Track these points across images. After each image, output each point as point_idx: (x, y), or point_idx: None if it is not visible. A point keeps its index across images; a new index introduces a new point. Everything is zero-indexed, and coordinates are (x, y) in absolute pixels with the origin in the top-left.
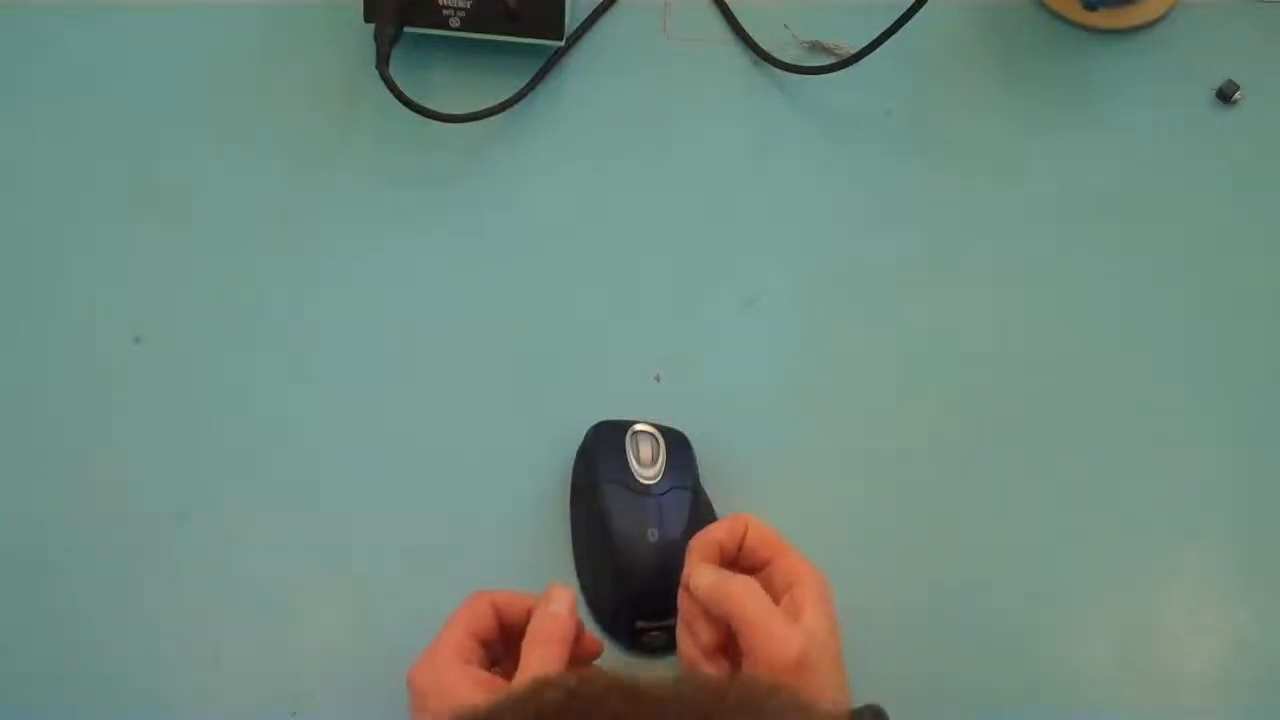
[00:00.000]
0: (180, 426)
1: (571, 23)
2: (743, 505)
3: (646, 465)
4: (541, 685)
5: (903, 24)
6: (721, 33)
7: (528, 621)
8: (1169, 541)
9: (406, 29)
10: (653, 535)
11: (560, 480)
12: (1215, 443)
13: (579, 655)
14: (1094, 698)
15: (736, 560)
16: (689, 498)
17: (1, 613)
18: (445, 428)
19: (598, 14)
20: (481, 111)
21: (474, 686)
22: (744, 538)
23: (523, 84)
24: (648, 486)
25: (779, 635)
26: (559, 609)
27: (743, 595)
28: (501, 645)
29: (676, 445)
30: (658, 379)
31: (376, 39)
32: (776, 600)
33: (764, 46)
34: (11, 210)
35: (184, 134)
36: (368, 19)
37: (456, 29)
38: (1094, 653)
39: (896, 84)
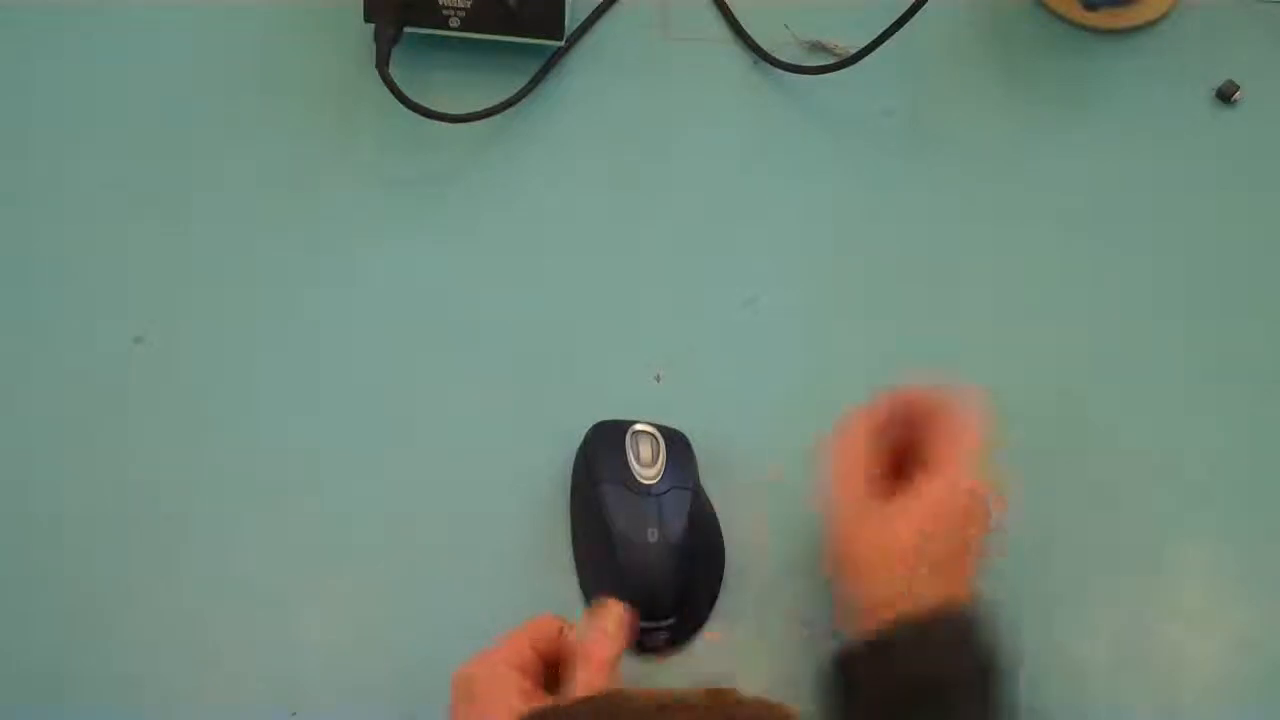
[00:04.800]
0: (180, 426)
1: (571, 23)
2: (743, 505)
3: (646, 465)
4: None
5: (903, 24)
6: (721, 33)
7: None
8: (1169, 541)
9: (406, 29)
10: (653, 535)
11: (560, 480)
12: (1215, 442)
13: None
14: (1094, 697)
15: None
16: (689, 498)
17: (1, 612)
18: (445, 428)
19: (598, 14)
20: (481, 111)
21: (519, 695)
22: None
23: (523, 84)
24: (648, 486)
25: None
26: (607, 625)
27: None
28: (561, 670)
29: (676, 445)
30: (658, 379)
31: (376, 39)
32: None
33: (764, 46)
34: (12, 210)
35: (184, 134)
36: (368, 19)
37: (456, 29)
38: (1094, 653)
39: (896, 84)
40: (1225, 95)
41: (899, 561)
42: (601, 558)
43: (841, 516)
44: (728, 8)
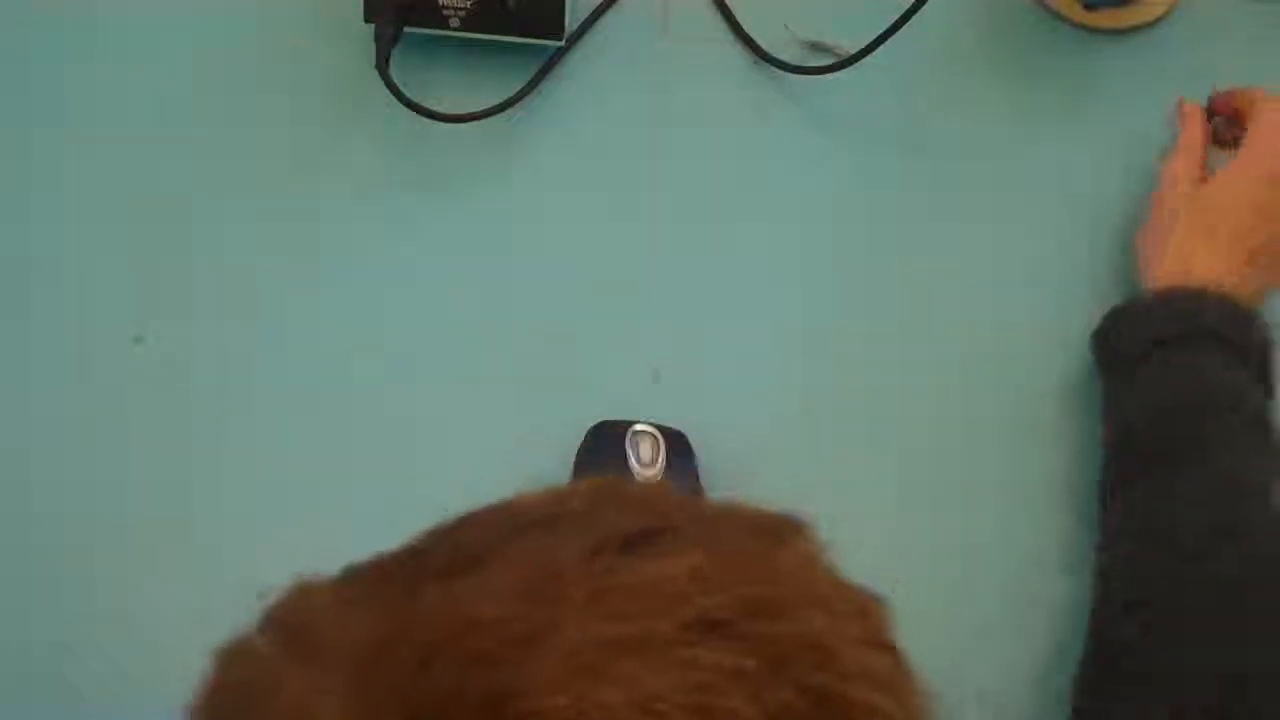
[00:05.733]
0: (180, 426)
1: (571, 23)
2: None
3: (646, 465)
4: None
5: (903, 24)
6: (721, 33)
7: None
8: None
9: (406, 29)
10: None
11: (560, 480)
12: None
13: None
14: None
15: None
16: None
17: (1, 612)
18: (445, 428)
19: (598, 14)
20: (481, 111)
21: None
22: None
23: (523, 84)
24: None
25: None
26: None
27: None
28: None
29: (676, 445)
30: (657, 379)
31: (376, 39)
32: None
33: (764, 46)
34: (11, 210)
35: (184, 134)
36: (368, 19)
37: (456, 29)
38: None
39: (896, 84)
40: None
41: (1148, 244)
42: None
43: (1166, 187)
44: (728, 8)
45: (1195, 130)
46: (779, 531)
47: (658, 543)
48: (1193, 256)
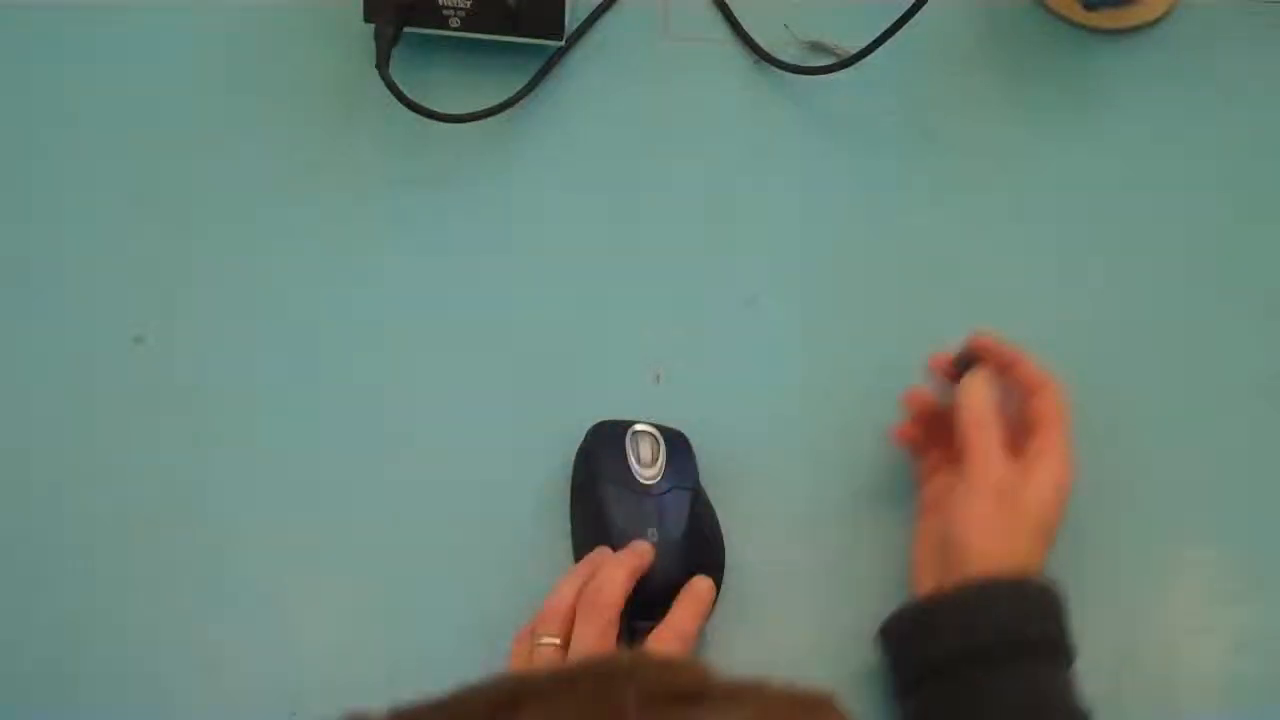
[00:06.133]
0: (180, 426)
1: (571, 23)
2: (743, 505)
3: (646, 465)
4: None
5: (903, 24)
6: (721, 33)
7: None
8: (1169, 541)
9: (406, 29)
10: (653, 535)
11: (560, 480)
12: (1215, 443)
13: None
14: (1094, 698)
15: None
16: (689, 498)
17: (1, 612)
18: (445, 428)
19: (598, 14)
20: (481, 111)
21: (519, 661)
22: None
23: (523, 84)
24: (648, 486)
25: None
26: (613, 573)
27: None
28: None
29: (676, 445)
30: (657, 379)
31: (376, 39)
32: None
33: (764, 46)
34: (12, 209)
35: (184, 134)
36: (368, 19)
37: (456, 29)
38: (1094, 653)
39: (896, 84)
40: None
41: (993, 536)
42: None
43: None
44: (728, 8)
45: (983, 391)
46: (813, 701)
47: (706, 700)
48: (1009, 557)
